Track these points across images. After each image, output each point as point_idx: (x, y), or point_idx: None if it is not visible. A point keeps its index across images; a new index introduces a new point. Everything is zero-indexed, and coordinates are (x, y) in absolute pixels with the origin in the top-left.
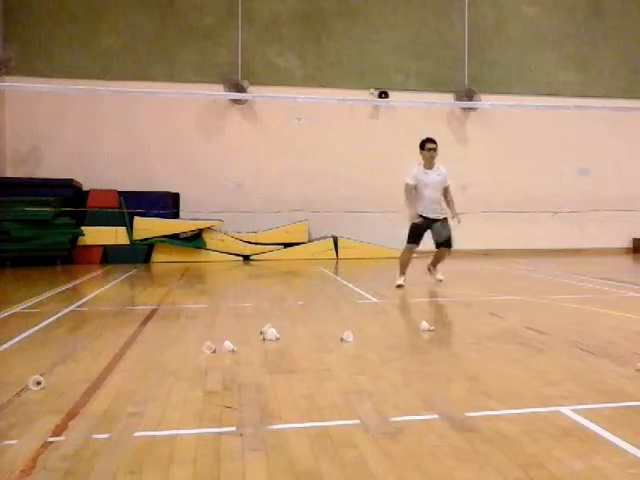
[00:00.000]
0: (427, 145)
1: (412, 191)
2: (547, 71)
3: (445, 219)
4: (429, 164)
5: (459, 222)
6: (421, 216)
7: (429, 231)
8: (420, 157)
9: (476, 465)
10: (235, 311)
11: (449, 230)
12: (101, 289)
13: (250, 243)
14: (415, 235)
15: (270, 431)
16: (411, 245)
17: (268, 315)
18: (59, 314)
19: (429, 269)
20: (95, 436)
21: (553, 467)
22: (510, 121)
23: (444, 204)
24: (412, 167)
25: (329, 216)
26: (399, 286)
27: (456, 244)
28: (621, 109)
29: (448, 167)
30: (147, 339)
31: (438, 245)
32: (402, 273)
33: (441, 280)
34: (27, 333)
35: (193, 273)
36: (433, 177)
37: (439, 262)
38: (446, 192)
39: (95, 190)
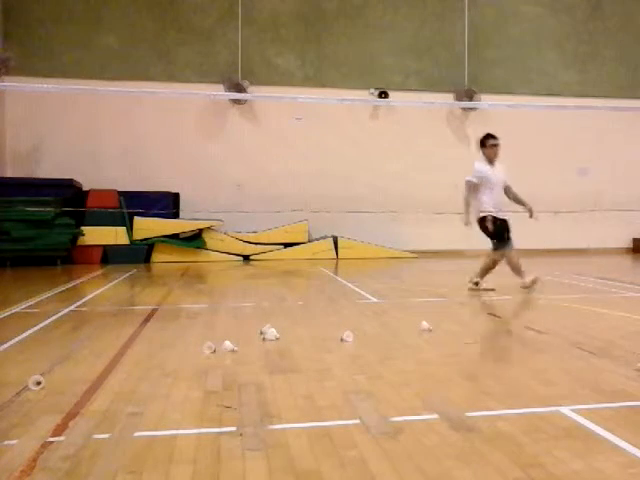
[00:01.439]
0: (490, 141)
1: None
2: (547, 71)
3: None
4: (492, 161)
5: (537, 219)
6: (494, 217)
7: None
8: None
9: (476, 465)
10: (235, 311)
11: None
12: (101, 289)
13: (250, 243)
14: (508, 232)
15: (270, 431)
16: (511, 244)
17: (268, 315)
18: (59, 314)
19: (476, 283)
20: (95, 436)
21: (553, 467)
22: (510, 121)
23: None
24: (477, 164)
25: (329, 216)
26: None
27: (456, 244)
28: (621, 109)
29: (448, 167)
30: (147, 339)
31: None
32: (522, 274)
33: (494, 289)
34: (27, 333)
35: (193, 273)
36: (498, 174)
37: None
38: (508, 190)
39: (95, 190)
